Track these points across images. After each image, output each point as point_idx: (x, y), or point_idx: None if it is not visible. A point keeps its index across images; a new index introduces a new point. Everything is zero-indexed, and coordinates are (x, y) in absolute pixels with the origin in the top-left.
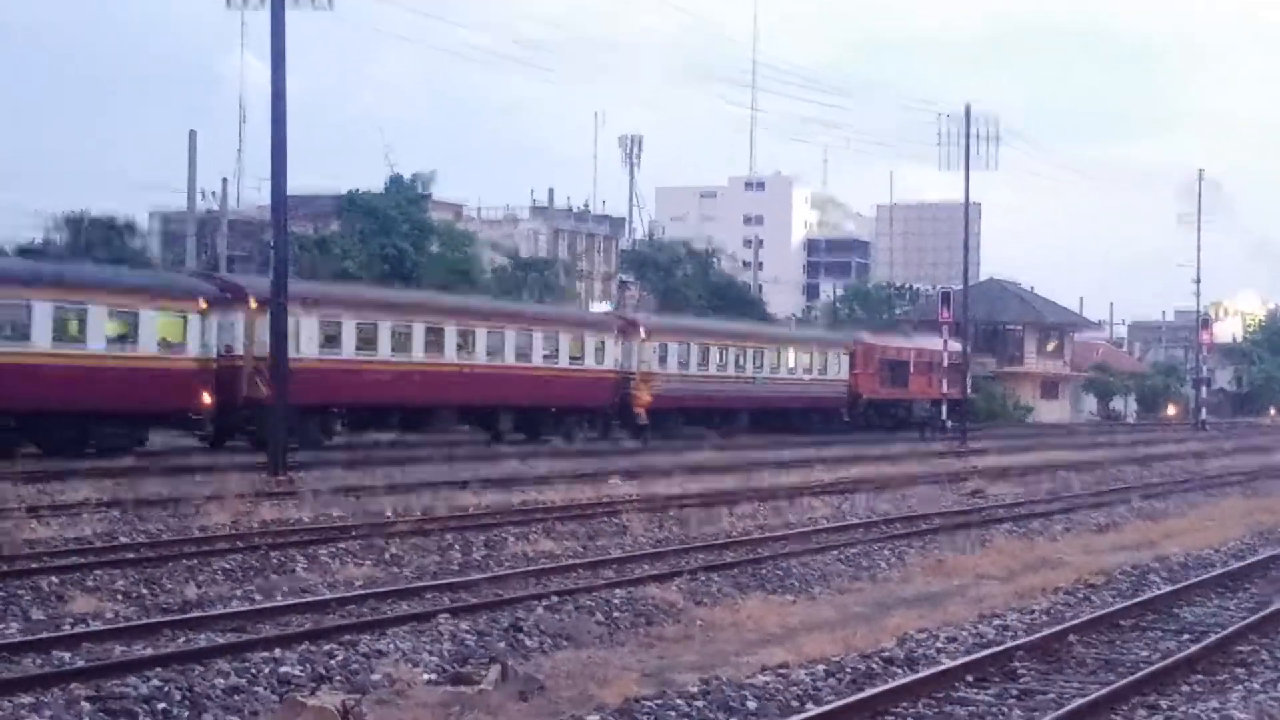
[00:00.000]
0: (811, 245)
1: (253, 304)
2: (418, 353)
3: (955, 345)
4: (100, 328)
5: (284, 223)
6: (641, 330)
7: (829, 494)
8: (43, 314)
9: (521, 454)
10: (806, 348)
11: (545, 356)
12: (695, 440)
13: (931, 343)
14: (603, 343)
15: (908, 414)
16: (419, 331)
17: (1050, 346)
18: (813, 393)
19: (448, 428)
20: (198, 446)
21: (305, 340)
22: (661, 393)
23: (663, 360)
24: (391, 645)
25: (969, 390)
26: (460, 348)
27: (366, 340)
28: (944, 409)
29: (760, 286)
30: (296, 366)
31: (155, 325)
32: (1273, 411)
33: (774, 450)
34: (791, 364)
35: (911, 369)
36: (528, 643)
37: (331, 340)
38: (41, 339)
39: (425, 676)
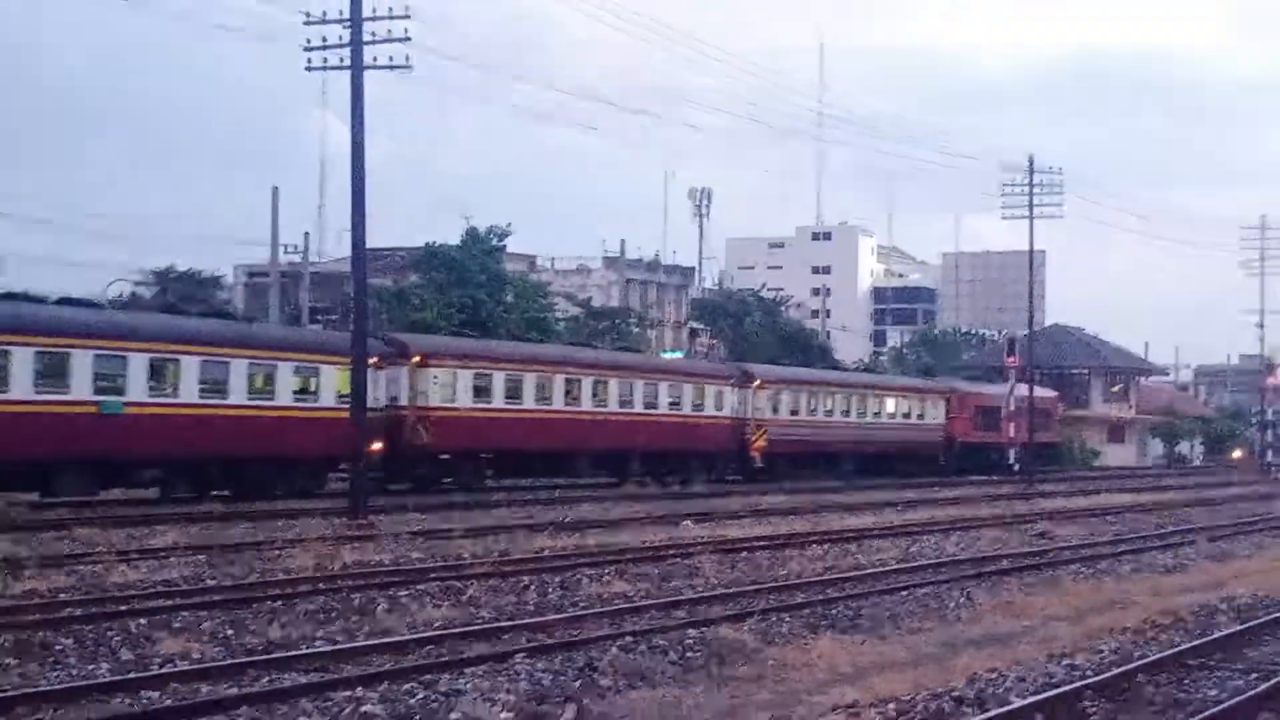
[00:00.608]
0: (878, 293)
1: (415, 359)
2: (558, 402)
3: (1049, 392)
4: (287, 383)
5: (364, 275)
6: (757, 379)
7: (919, 533)
8: (238, 370)
9: (627, 495)
10: (907, 395)
11: (670, 405)
12: (811, 483)
13: (1022, 390)
14: (721, 392)
15: (1001, 457)
16: (559, 383)
17: (1116, 390)
18: (913, 438)
19: (583, 472)
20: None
21: (461, 392)
22: (775, 438)
23: (775, 408)
24: (469, 685)
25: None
26: (595, 397)
27: (513, 391)
28: (1012, 454)
29: (829, 334)
30: (455, 416)
31: (334, 380)
32: None
33: (887, 491)
34: (892, 410)
35: (1003, 414)
36: (602, 682)
37: (482, 392)
38: (240, 392)
39: (503, 715)
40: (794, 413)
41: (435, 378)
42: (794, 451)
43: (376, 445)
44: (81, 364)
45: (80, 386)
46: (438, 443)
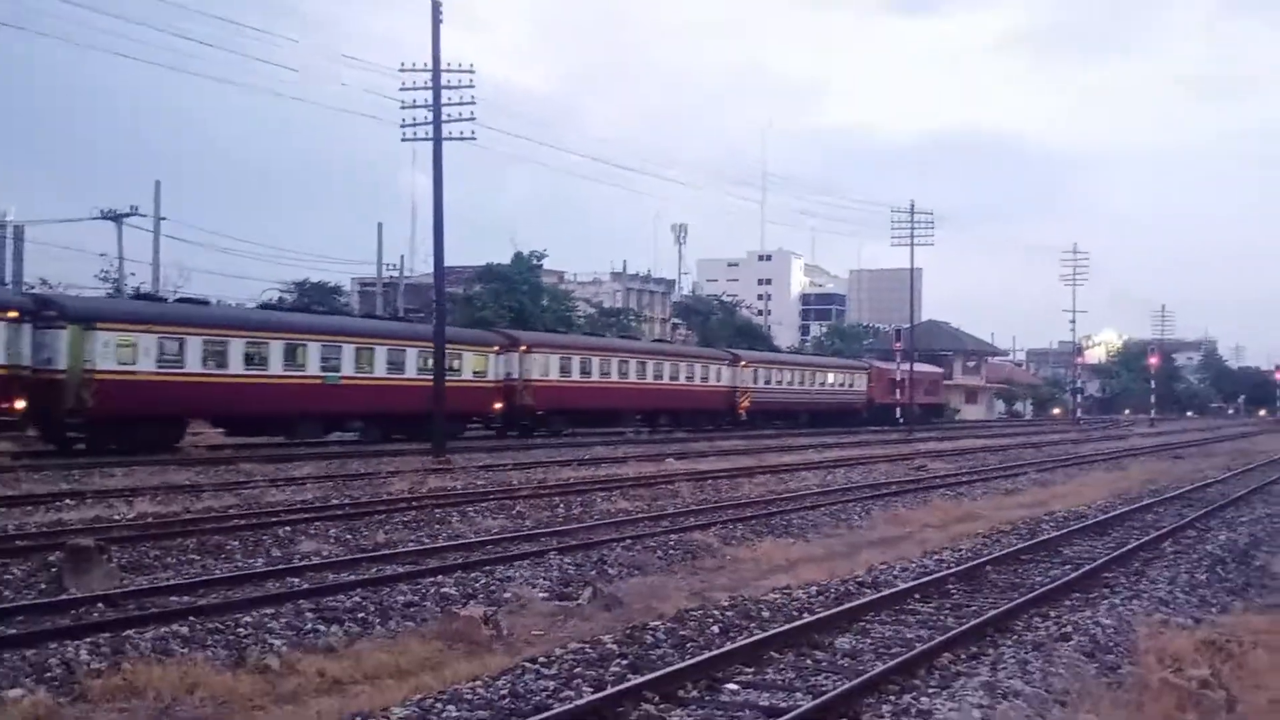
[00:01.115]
0: (805, 298)
1: (523, 348)
2: (614, 376)
3: (935, 368)
4: (417, 363)
5: (443, 287)
6: (743, 361)
7: (833, 467)
8: (412, 356)
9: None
10: (842, 371)
11: (686, 378)
12: (777, 430)
13: (921, 367)
14: (720, 369)
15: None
16: (615, 363)
17: (971, 366)
18: (846, 399)
19: (629, 424)
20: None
21: (551, 369)
22: (753, 401)
23: (755, 380)
24: (517, 573)
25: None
26: (626, 372)
27: (584, 369)
28: (897, 411)
29: (769, 327)
30: (548, 385)
31: (471, 362)
32: (1127, 411)
33: (811, 438)
34: (833, 381)
35: (905, 385)
36: (610, 572)
37: (564, 369)
38: (411, 370)
39: (540, 595)
40: (768, 383)
41: (535, 360)
42: (767, 410)
43: (498, 405)
44: (313, 351)
45: (312, 366)
46: (537, 404)
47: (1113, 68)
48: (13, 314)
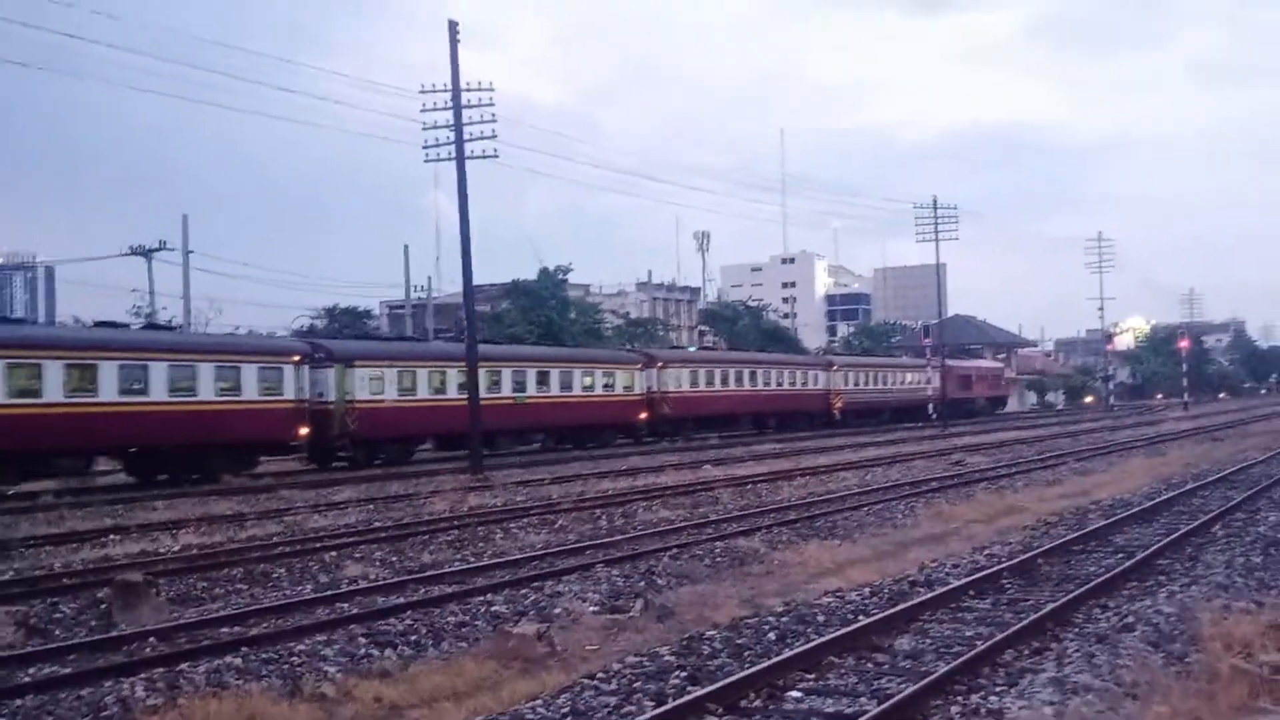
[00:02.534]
0: (830, 299)
1: (660, 364)
2: (731, 385)
3: (998, 364)
4: (583, 382)
5: (473, 306)
6: (835, 365)
7: (871, 465)
8: (578, 375)
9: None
10: (916, 370)
11: (789, 383)
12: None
13: (984, 363)
14: (816, 374)
15: (974, 407)
16: (732, 373)
17: (1001, 358)
18: (921, 397)
19: (743, 427)
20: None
21: (684, 382)
22: (846, 401)
23: (846, 382)
24: (566, 588)
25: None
26: (741, 380)
27: (709, 380)
28: (930, 406)
29: (796, 329)
30: (681, 396)
31: (616, 377)
32: (1159, 396)
33: (845, 437)
34: (910, 379)
35: (974, 379)
36: (659, 582)
37: (693, 382)
38: (577, 387)
39: (591, 609)
40: (857, 384)
41: (670, 374)
42: (857, 409)
43: (643, 415)
44: (507, 377)
45: (507, 389)
46: (673, 412)
47: (1130, 57)
48: (296, 357)
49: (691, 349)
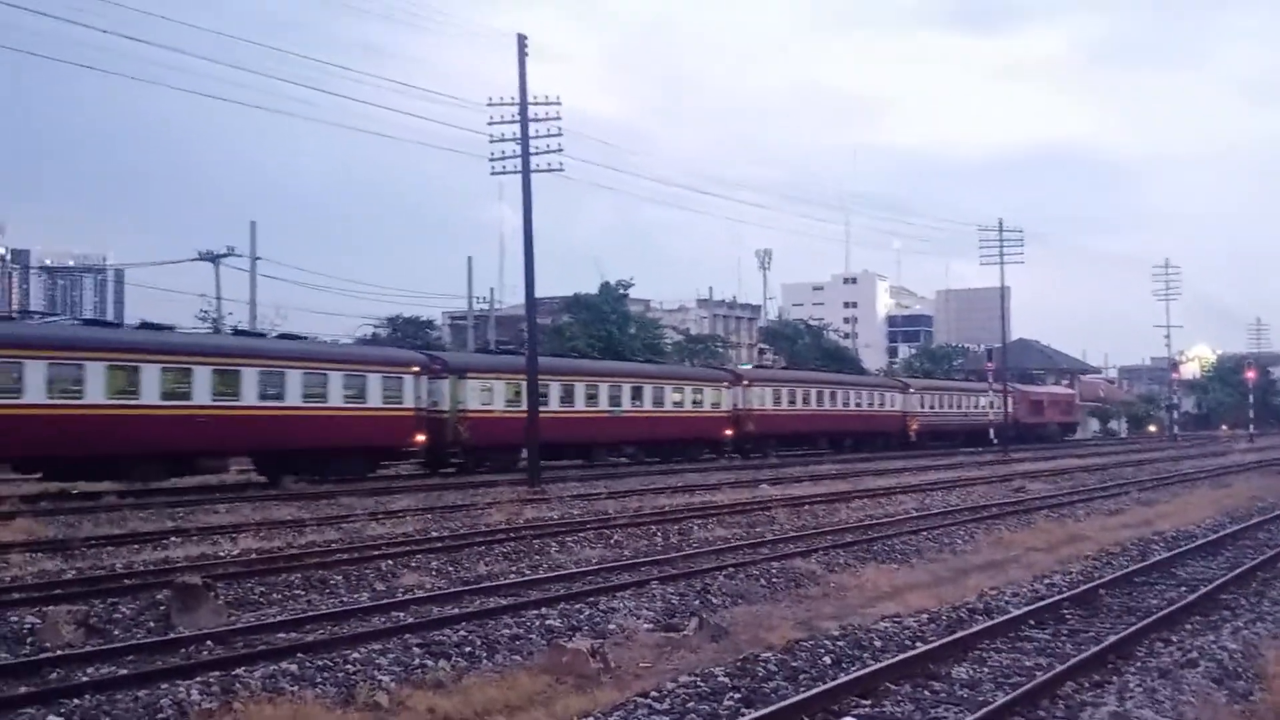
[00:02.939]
0: (891, 320)
1: (745, 382)
2: (812, 405)
3: (1069, 390)
4: (674, 398)
5: (534, 319)
6: (912, 388)
7: (931, 489)
8: (627, 391)
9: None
10: (988, 393)
11: (867, 404)
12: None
13: (1055, 389)
14: (894, 396)
15: (1046, 432)
16: (814, 393)
17: (1064, 384)
18: (995, 421)
19: (823, 446)
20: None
21: (768, 400)
22: (921, 424)
23: (921, 405)
24: (621, 604)
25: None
26: (821, 400)
27: (791, 399)
28: (991, 431)
29: (856, 350)
30: (764, 414)
31: (705, 394)
32: (1224, 427)
33: (902, 460)
34: (983, 403)
35: (1045, 405)
36: (714, 601)
37: (777, 400)
38: (668, 403)
39: (645, 626)
40: (930, 408)
41: (754, 392)
42: (931, 432)
43: (729, 431)
44: (604, 391)
45: (603, 402)
46: (756, 430)
47: (1180, 76)
48: (416, 369)
49: (746, 367)
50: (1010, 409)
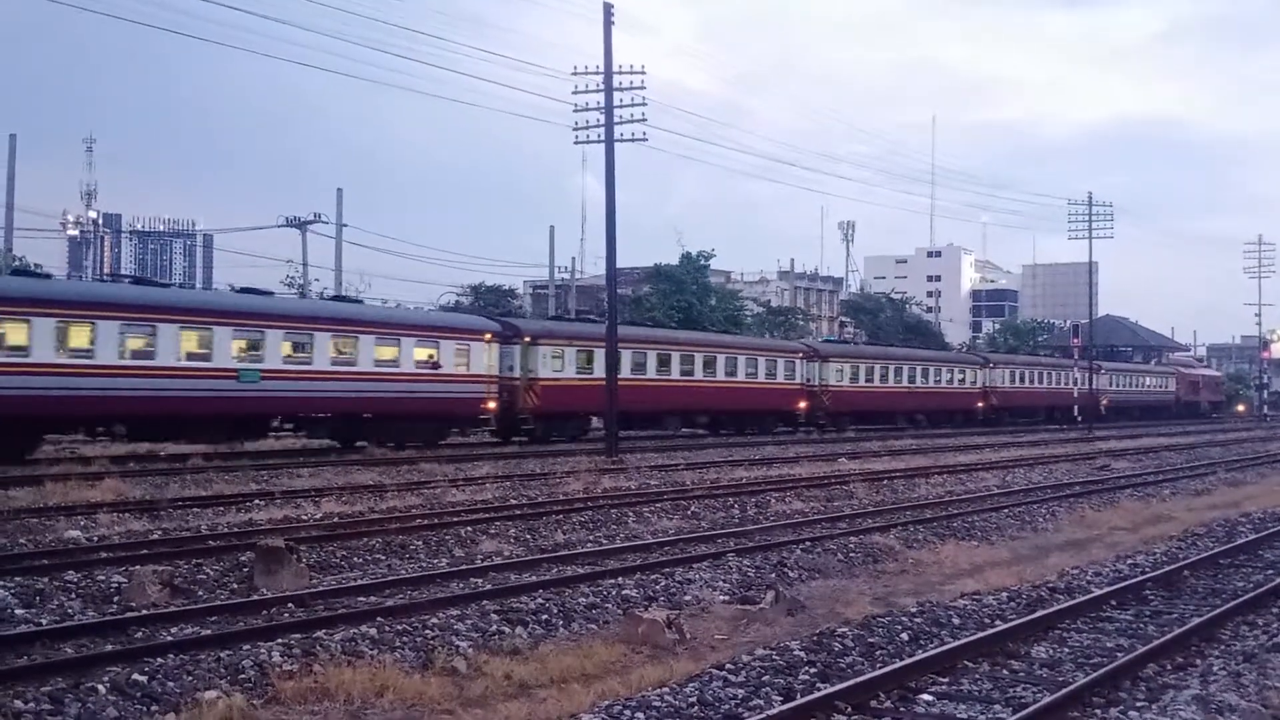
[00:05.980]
0: (975, 295)
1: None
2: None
3: (1216, 372)
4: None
5: (615, 289)
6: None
7: (1013, 466)
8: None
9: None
10: (1159, 374)
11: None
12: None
13: (1206, 371)
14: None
15: (1200, 411)
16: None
17: (1151, 363)
18: (1151, 399)
19: (897, 421)
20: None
21: (845, 376)
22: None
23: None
24: (697, 576)
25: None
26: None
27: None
28: (1075, 409)
29: (939, 324)
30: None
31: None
32: None
33: (988, 436)
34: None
35: (1201, 386)
36: (791, 574)
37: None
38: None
39: (721, 598)
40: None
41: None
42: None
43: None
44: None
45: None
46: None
47: (1276, 56)
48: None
49: (822, 339)
50: (1175, 388)
